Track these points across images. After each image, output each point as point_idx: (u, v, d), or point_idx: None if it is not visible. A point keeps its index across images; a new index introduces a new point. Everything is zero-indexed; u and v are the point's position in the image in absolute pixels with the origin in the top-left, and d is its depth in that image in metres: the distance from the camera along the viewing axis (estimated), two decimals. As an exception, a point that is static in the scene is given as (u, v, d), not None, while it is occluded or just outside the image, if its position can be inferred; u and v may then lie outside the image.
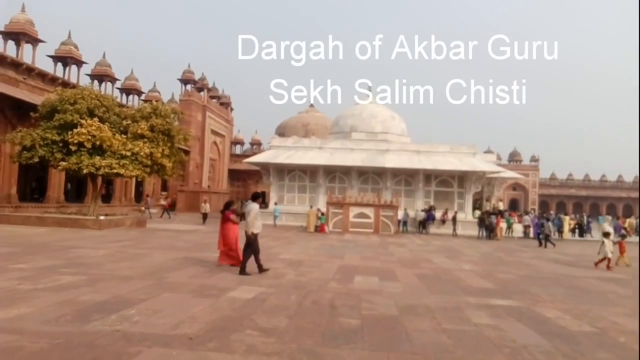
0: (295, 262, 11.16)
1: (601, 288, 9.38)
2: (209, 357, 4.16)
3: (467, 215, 27.86)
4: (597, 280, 10.41)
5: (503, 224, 25.32)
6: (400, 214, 25.18)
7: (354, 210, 23.93)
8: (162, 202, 35.11)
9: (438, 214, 26.43)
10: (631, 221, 30.65)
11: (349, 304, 6.71)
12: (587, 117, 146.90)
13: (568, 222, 28.20)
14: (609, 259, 12.53)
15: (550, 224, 22.09)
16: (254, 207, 8.95)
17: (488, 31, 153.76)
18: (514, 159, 65.60)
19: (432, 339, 5.11)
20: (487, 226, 24.14)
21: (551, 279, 10.44)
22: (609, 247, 12.58)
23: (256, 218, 8.90)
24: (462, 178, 28.88)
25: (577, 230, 28.55)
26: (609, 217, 15.41)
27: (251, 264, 8.89)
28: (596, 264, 12.83)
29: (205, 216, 25.39)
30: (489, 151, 47.90)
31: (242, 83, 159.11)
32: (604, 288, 9.38)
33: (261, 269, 8.91)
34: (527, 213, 33.44)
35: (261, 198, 9.46)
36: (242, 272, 8.71)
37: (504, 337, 5.32)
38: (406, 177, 29.41)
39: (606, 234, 12.89)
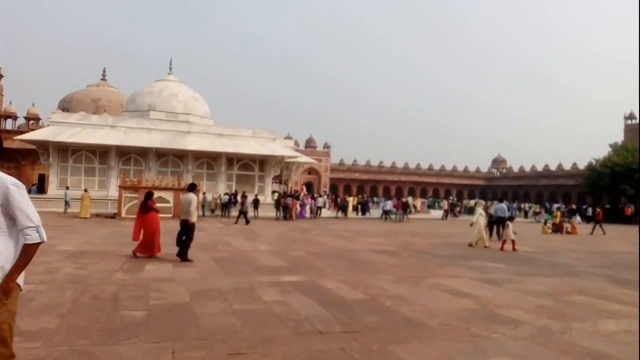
0: (76, 253, 9.97)
1: (374, 259, 10.74)
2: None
3: (267, 198, 28.95)
4: (370, 253, 11.91)
5: (304, 206, 27.20)
6: (200, 198, 24.72)
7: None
8: None
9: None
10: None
11: (136, 295, 6.25)
12: (366, 114, 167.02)
13: (352, 202, 31.76)
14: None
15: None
16: (192, 197, 9.71)
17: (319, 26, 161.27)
18: (310, 145, 70.57)
19: (221, 321, 5.11)
20: (284, 207, 25.48)
21: (334, 254, 11.55)
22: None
23: (195, 208, 9.74)
24: (263, 162, 29.83)
25: (359, 209, 32.37)
26: (483, 202, 16.96)
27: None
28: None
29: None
30: (288, 137, 50.41)
31: (19, 48, 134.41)
32: (376, 259, 10.77)
33: (186, 258, 9.30)
34: (320, 195, 36.56)
35: (196, 188, 10.24)
36: (185, 259, 9.25)
37: (290, 311, 5.64)
38: (208, 160, 29.04)
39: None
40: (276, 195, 28.96)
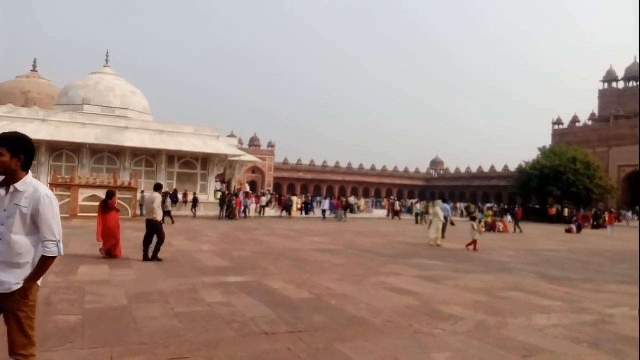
0: None
1: (318, 259, 10.79)
2: None
3: (210, 197, 28.34)
4: (315, 252, 11.96)
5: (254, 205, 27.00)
6: (138, 196, 23.80)
7: (84, 193, 21.38)
8: None
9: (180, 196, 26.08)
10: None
11: (70, 298, 5.91)
12: (311, 113, 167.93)
13: (296, 202, 31.83)
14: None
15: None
16: (157, 196, 9.86)
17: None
18: (254, 143, 69.92)
19: (162, 325, 4.92)
20: (227, 207, 25.04)
21: (279, 253, 11.49)
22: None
23: (159, 207, 9.84)
24: (205, 160, 29.14)
25: (303, 208, 32.46)
26: (440, 202, 17.24)
27: None
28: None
29: None
30: (232, 135, 49.69)
31: None
32: (321, 259, 10.83)
33: (157, 258, 9.34)
34: (263, 194, 36.40)
35: (162, 188, 10.57)
36: (155, 258, 9.28)
37: (235, 312, 5.54)
38: (147, 158, 27.94)
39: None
40: (219, 194, 28.42)
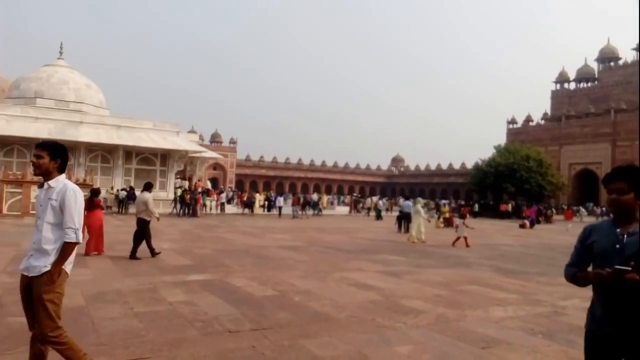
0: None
1: (282, 255, 10.77)
2: None
3: (169, 194, 27.73)
4: (279, 249, 11.93)
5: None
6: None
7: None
8: None
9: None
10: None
11: (22, 300, 5.64)
12: (274, 110, 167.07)
13: (259, 199, 31.60)
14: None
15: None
16: (149, 196, 9.85)
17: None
18: (215, 140, 68.86)
19: (122, 325, 4.79)
20: (188, 204, 24.57)
21: (242, 251, 11.39)
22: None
23: (152, 207, 9.89)
24: (165, 156, 28.50)
25: (266, 205, 32.26)
26: (421, 200, 17.34)
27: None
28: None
29: None
30: (192, 131, 48.62)
31: None
32: (284, 255, 10.81)
33: (154, 253, 9.58)
34: (222, 192, 36.14)
35: (152, 187, 10.53)
36: (133, 256, 9.28)
37: (197, 311, 5.46)
38: (104, 153, 27.07)
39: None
40: (179, 191, 27.85)
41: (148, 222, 9.78)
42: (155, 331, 4.63)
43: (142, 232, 9.66)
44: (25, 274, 3.00)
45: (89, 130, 26.37)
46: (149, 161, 28.15)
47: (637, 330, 2.03)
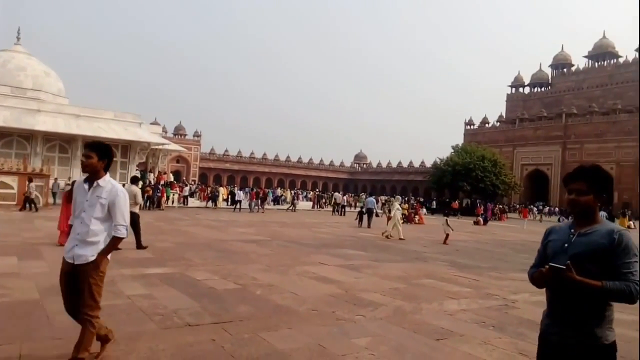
0: None
1: (244, 249, 10.76)
2: None
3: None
4: (241, 243, 11.90)
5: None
6: (50, 184, 22.25)
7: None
8: None
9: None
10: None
11: (-29, 293, 5.45)
12: (238, 104, 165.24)
13: (222, 192, 31.30)
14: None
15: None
16: (136, 190, 10.26)
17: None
18: (178, 132, 67.44)
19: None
20: (150, 197, 24.06)
21: (204, 244, 11.31)
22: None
23: (140, 199, 10.48)
24: (126, 148, 27.76)
25: (229, 199, 31.99)
26: (399, 197, 17.55)
27: None
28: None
29: None
30: (155, 123, 47.50)
31: None
32: (247, 249, 10.80)
33: (141, 246, 9.78)
34: (185, 185, 35.58)
35: (138, 180, 11.08)
36: (140, 246, 9.73)
37: (157, 304, 5.42)
38: (62, 143, 26.10)
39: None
40: (140, 183, 27.20)
41: (137, 215, 9.81)
42: (113, 325, 4.54)
43: (135, 223, 9.61)
44: (71, 261, 3.33)
45: (46, 119, 25.33)
46: (108, 152, 27.35)
47: (578, 332, 2.02)
